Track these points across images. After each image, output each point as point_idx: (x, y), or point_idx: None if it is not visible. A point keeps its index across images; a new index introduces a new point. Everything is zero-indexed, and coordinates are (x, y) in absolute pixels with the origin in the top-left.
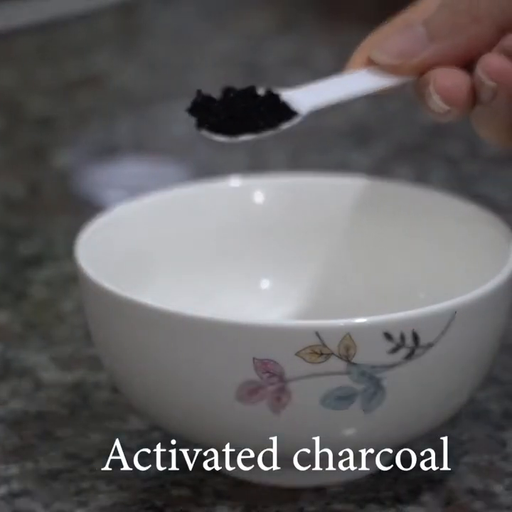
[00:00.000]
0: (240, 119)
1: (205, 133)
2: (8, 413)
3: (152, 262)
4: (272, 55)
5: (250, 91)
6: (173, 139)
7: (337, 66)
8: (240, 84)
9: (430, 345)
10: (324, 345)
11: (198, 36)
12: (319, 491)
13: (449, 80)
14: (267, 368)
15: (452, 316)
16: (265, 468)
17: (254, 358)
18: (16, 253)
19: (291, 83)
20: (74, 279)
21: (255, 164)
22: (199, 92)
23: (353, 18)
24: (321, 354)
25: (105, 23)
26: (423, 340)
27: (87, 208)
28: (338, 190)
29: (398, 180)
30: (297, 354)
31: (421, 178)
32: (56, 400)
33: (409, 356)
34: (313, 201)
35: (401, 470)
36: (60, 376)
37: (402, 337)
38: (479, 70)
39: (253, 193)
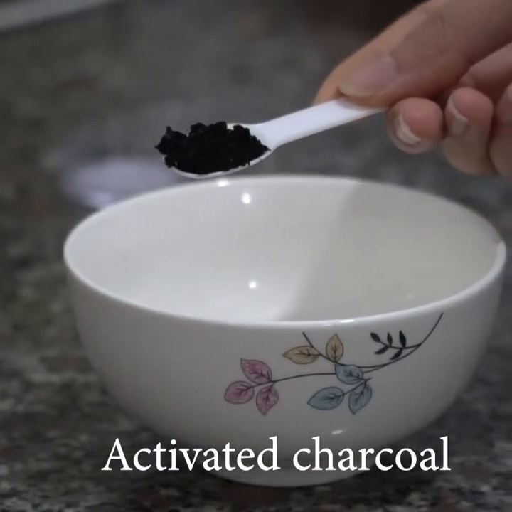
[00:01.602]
0: (210, 155)
1: (174, 170)
2: None
3: (141, 263)
4: (261, 57)
5: (219, 127)
6: None
7: (325, 67)
8: (230, 85)
9: (417, 346)
10: (311, 346)
11: (188, 37)
12: (307, 491)
13: (419, 111)
14: (255, 369)
15: (439, 317)
16: (253, 468)
17: (242, 359)
18: (5, 254)
19: (280, 85)
20: (63, 280)
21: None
22: (168, 129)
23: (339, 21)
24: (309, 355)
25: (96, 24)
26: (410, 341)
27: (76, 210)
28: (326, 191)
29: (386, 182)
30: (284, 355)
31: (409, 180)
32: (45, 401)
33: (396, 357)
34: (301, 202)
35: (388, 470)
36: (49, 377)
37: (389, 338)
38: (451, 104)
39: (241, 194)
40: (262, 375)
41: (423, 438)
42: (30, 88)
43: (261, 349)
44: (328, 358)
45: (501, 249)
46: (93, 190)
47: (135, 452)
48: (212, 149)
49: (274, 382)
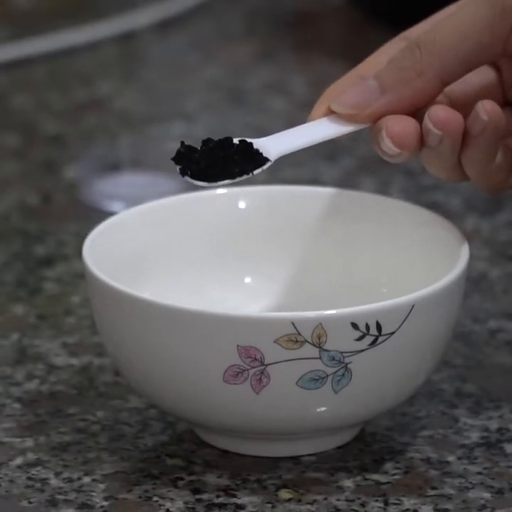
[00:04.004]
0: (218, 167)
1: (187, 179)
2: (23, 393)
3: (149, 261)
4: (253, 82)
5: (227, 141)
6: (168, 155)
7: (309, 90)
8: (225, 107)
9: (392, 334)
10: (299, 334)
11: (189, 65)
12: (295, 460)
13: (399, 126)
14: (249, 354)
15: (411, 309)
16: (248, 441)
17: (237, 345)
18: (31, 254)
19: (270, 106)
20: (81, 276)
21: None
22: (182, 143)
23: (322, 50)
24: (296, 341)
25: (107, 53)
26: (385, 329)
27: (93, 215)
28: (311, 198)
29: (362, 191)
30: (275, 341)
31: (382, 189)
32: (66, 382)
33: (373, 343)
34: (289, 208)
35: (366, 442)
36: (69, 361)
37: (367, 326)
38: (427, 119)
39: (237, 201)
40: (255, 359)
41: (396, 414)
42: (50, 109)
43: (255, 336)
44: (314, 344)
45: (465, 248)
46: (107, 197)
47: (144, 426)
48: (220, 161)
49: (267, 365)
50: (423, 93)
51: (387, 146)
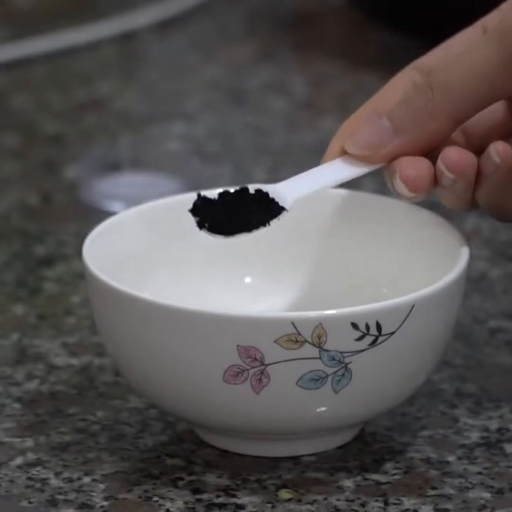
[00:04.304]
0: (235, 220)
1: (205, 232)
2: (24, 393)
3: (149, 261)
4: (253, 82)
5: (243, 192)
6: (167, 155)
7: (308, 90)
8: (225, 107)
9: (392, 334)
10: (299, 334)
11: (189, 65)
12: (295, 460)
13: (413, 169)
14: (249, 354)
15: (411, 309)
16: (248, 441)
17: (238, 345)
18: (31, 254)
19: (270, 106)
20: (81, 276)
21: (239, 177)
22: (199, 195)
23: (321, 50)
24: (297, 341)
25: (107, 53)
26: (385, 329)
27: (93, 215)
28: (313, 199)
29: (363, 190)
30: (275, 341)
31: (383, 189)
32: (66, 382)
33: (373, 343)
34: (290, 208)
35: (366, 442)
36: (69, 361)
37: (367, 326)
38: (440, 163)
39: None
40: (255, 359)
41: (396, 414)
42: (51, 109)
43: (255, 336)
44: (314, 344)
45: (465, 248)
46: (107, 197)
47: (144, 426)
48: (237, 214)
49: (267, 365)
50: (436, 134)
51: (402, 189)
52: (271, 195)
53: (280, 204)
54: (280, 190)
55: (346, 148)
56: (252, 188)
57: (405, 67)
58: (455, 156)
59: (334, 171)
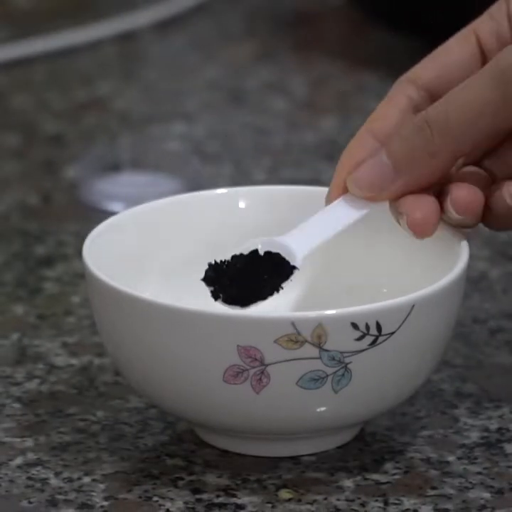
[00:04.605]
0: (249, 288)
1: (220, 303)
2: (23, 393)
3: (149, 261)
4: (253, 82)
5: (254, 257)
6: (168, 155)
7: (309, 91)
8: (225, 107)
9: (391, 334)
10: (299, 334)
11: (189, 64)
12: (295, 460)
13: (419, 211)
14: (250, 354)
15: (411, 309)
16: (248, 441)
17: (238, 345)
18: (31, 254)
19: (270, 106)
20: (81, 276)
21: (239, 177)
22: (210, 265)
23: (321, 49)
24: (297, 341)
25: (107, 52)
26: (385, 329)
27: (93, 215)
28: (310, 199)
29: None
30: (276, 341)
31: None
32: (66, 382)
33: (373, 343)
34: (289, 208)
35: (366, 442)
36: (69, 361)
37: (367, 326)
38: (449, 205)
39: (237, 201)
40: (255, 359)
41: (396, 414)
42: (50, 109)
43: (255, 336)
44: (314, 344)
45: (465, 248)
46: (107, 197)
47: (144, 426)
48: (250, 282)
49: (267, 365)
50: (438, 171)
51: (410, 232)
52: (282, 254)
53: (291, 263)
54: (289, 247)
55: (350, 189)
56: (261, 247)
57: (399, 79)
58: (463, 199)
59: (340, 215)
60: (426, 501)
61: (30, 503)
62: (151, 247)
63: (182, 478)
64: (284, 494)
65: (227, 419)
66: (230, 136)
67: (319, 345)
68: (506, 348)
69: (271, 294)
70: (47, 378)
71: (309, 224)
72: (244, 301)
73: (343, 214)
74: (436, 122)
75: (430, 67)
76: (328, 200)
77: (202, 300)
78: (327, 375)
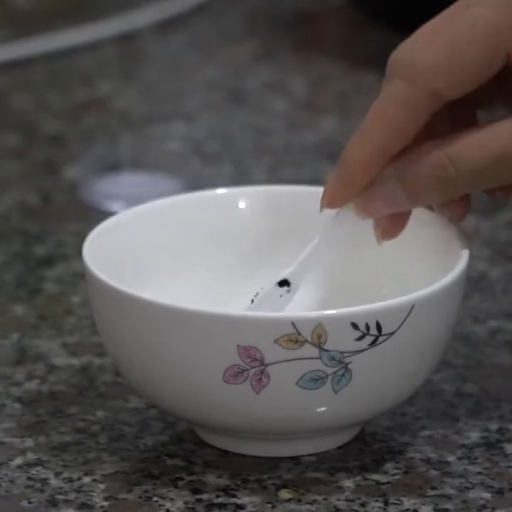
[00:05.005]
0: None
1: None
2: (23, 393)
3: (149, 261)
4: (253, 81)
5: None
6: (167, 155)
7: (309, 91)
8: (225, 107)
9: (392, 334)
10: (299, 334)
11: (189, 65)
12: (295, 460)
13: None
14: (249, 354)
15: (411, 309)
16: (248, 441)
17: (238, 345)
18: (31, 254)
19: (270, 106)
20: (81, 276)
21: (239, 177)
22: None
23: (321, 49)
24: (297, 341)
25: (107, 53)
26: (385, 329)
27: (93, 215)
28: (310, 198)
29: None
30: (276, 341)
31: None
32: (66, 382)
33: (373, 343)
34: (289, 208)
35: (366, 442)
36: (69, 361)
37: (367, 326)
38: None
39: (237, 201)
40: (255, 359)
41: (397, 414)
42: (50, 109)
43: (255, 336)
44: (314, 344)
45: (464, 248)
46: (107, 197)
47: (144, 426)
48: None
49: (267, 365)
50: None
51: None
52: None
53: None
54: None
55: (357, 212)
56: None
57: (385, 78)
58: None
59: (332, 242)
60: (426, 501)
61: (30, 503)
62: (151, 247)
63: (182, 479)
64: (284, 494)
65: (227, 419)
66: (230, 136)
67: (319, 345)
68: (506, 348)
69: None
70: (47, 378)
71: (306, 257)
72: None
73: (335, 240)
74: (458, 161)
75: (409, 50)
76: (329, 203)
77: (202, 300)
78: (327, 375)
